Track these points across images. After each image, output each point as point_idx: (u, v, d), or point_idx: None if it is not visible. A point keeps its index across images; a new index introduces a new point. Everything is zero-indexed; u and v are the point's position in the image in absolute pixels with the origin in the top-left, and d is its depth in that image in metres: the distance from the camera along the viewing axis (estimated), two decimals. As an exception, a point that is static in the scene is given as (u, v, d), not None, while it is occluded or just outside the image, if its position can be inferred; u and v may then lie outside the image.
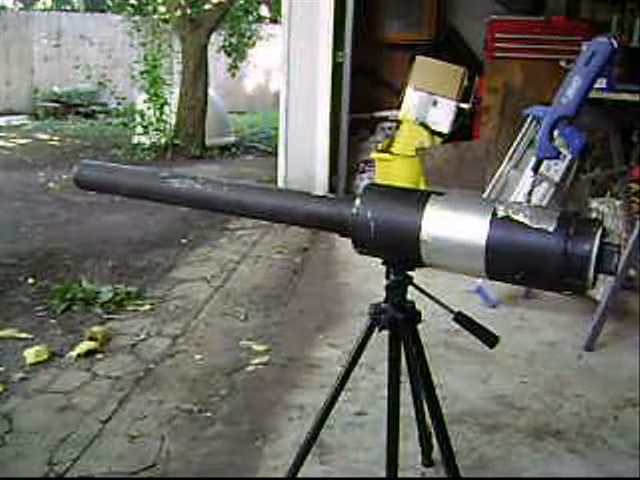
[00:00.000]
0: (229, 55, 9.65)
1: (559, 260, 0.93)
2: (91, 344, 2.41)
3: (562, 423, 1.79)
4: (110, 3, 8.58)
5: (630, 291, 2.81)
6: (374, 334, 1.24)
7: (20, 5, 13.50)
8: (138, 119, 7.31)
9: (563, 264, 0.93)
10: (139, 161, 6.63)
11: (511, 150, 3.05)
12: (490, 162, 3.91)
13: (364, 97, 4.82)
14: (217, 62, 9.38)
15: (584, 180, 3.19)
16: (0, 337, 2.52)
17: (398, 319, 1.19)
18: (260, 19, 10.99)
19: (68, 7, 13.88)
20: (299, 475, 1.38)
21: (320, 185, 4.54)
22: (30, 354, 2.34)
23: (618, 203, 3.12)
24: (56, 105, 10.65)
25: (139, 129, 7.35)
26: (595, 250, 0.92)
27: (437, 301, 1.29)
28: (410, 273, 1.17)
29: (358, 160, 4.88)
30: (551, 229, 0.94)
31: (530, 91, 4.10)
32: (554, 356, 2.43)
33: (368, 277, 3.02)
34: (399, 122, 4.75)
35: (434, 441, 1.41)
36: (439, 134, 4.60)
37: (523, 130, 2.98)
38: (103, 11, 11.54)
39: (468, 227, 0.98)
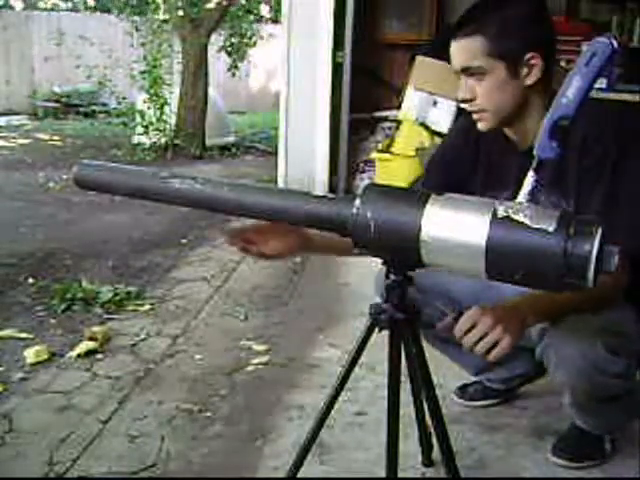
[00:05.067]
0: (229, 55, 9.65)
1: (559, 260, 0.93)
2: (91, 344, 2.42)
3: (562, 423, 1.79)
4: (116, 4, 8.56)
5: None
6: (374, 334, 1.24)
7: (22, 5, 13.50)
8: (138, 119, 7.31)
9: (563, 264, 0.93)
10: (139, 161, 6.63)
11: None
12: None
13: (364, 97, 4.81)
14: (217, 62, 9.38)
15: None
16: (0, 337, 2.52)
17: (398, 319, 1.19)
18: (261, 19, 10.99)
19: (71, 6, 13.85)
20: (299, 475, 1.38)
21: (320, 185, 4.54)
22: (30, 354, 2.34)
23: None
24: (56, 105, 10.66)
25: (139, 129, 7.35)
26: (595, 250, 0.92)
27: (437, 301, 1.29)
28: (410, 273, 1.17)
29: (358, 160, 4.88)
30: (551, 229, 0.94)
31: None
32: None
33: (368, 277, 3.01)
34: (399, 122, 4.74)
35: (434, 441, 1.41)
36: (439, 134, 4.59)
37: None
38: (108, 11, 11.50)
39: (468, 227, 0.98)
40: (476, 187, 1.56)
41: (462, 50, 1.38)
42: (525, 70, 1.39)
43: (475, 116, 1.46)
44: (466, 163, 1.60)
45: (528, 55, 1.37)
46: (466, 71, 1.40)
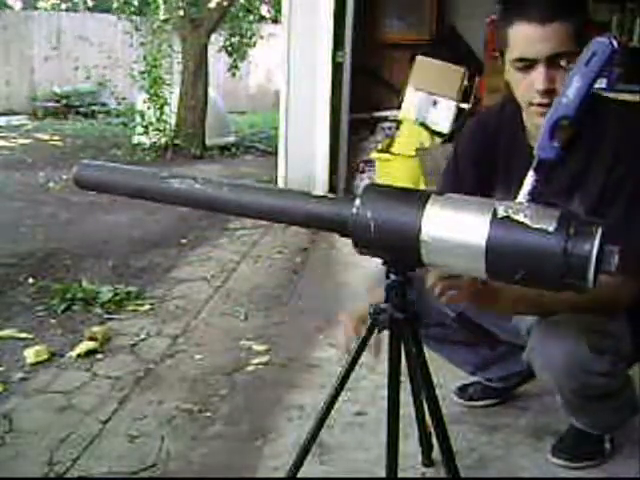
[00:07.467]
0: (230, 55, 9.64)
1: (559, 260, 0.93)
2: (91, 344, 2.41)
3: (562, 423, 1.79)
4: (115, 4, 8.54)
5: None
6: (374, 334, 1.24)
7: (21, 5, 13.48)
8: (138, 119, 7.31)
9: (563, 264, 0.93)
10: (139, 161, 6.62)
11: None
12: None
13: (364, 97, 4.81)
14: (217, 62, 9.37)
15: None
16: (0, 337, 2.52)
17: (398, 319, 1.19)
18: (261, 19, 10.98)
19: (71, 6, 13.83)
20: (299, 475, 1.38)
21: (320, 185, 4.54)
22: (30, 354, 2.34)
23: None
24: (56, 105, 10.65)
25: (139, 129, 7.34)
26: (595, 250, 0.92)
27: (437, 301, 1.29)
28: (410, 273, 1.17)
29: (358, 160, 4.88)
30: (551, 229, 0.94)
31: (530, 91, 4.09)
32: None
33: (368, 277, 3.01)
34: (399, 122, 4.74)
35: (434, 441, 1.41)
36: (439, 134, 4.60)
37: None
38: (108, 11, 11.48)
39: (468, 227, 0.98)
40: (496, 185, 1.53)
41: (555, 35, 1.24)
42: None
43: (542, 109, 1.30)
44: (483, 166, 1.56)
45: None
46: (554, 59, 1.27)
